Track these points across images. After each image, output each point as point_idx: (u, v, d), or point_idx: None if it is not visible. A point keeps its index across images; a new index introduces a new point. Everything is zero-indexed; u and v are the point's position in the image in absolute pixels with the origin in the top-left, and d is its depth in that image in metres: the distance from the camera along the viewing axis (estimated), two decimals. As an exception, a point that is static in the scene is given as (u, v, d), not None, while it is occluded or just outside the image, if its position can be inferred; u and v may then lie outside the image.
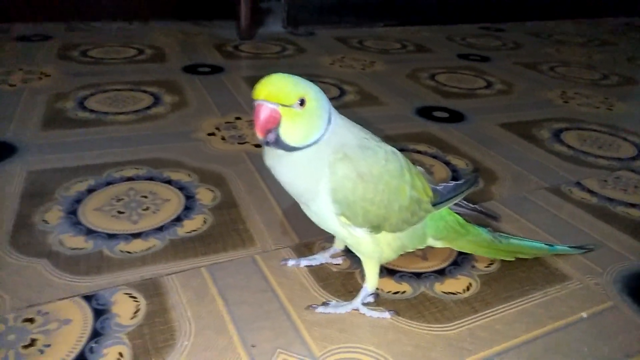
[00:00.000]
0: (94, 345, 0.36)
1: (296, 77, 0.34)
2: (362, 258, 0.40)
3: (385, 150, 0.37)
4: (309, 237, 0.49)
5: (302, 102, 0.33)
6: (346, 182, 0.35)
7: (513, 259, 0.46)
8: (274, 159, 0.36)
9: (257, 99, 0.33)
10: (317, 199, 0.36)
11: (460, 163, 0.68)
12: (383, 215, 0.36)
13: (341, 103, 0.87)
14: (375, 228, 0.37)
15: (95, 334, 0.36)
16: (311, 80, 0.35)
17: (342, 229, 0.37)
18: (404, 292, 0.43)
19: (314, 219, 0.39)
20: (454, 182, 0.42)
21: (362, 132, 0.38)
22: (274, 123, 0.33)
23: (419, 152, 0.71)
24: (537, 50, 1.40)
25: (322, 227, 0.39)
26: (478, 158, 0.70)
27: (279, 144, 0.34)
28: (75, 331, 0.37)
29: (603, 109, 0.94)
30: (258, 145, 0.68)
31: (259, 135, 0.33)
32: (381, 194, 0.36)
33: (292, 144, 0.34)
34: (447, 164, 0.68)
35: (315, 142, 0.35)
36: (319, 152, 0.35)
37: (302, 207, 0.38)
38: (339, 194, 0.35)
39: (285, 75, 0.34)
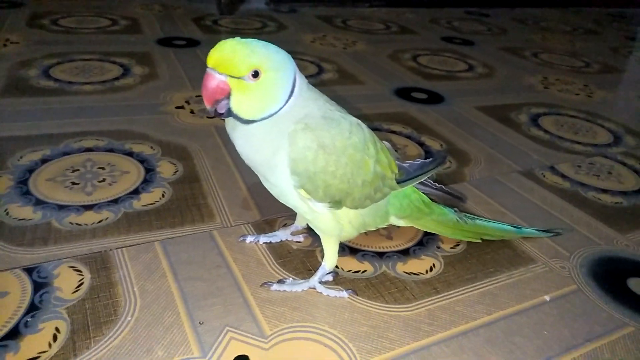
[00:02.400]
0: (29, 319, 0.34)
1: (256, 43, 0.31)
2: (321, 235, 0.39)
3: (350, 122, 0.35)
4: (272, 214, 0.48)
5: (255, 74, 0.31)
6: (307, 153, 0.33)
7: (479, 241, 0.45)
8: (231, 128, 0.34)
9: (207, 65, 0.31)
10: (275, 171, 0.34)
11: (434, 144, 0.66)
12: (345, 190, 0.35)
13: (318, 81, 0.84)
14: (337, 203, 0.35)
15: (33, 308, 0.34)
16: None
17: (302, 203, 0.35)
18: (364, 271, 0.41)
19: (273, 191, 0.37)
20: (420, 161, 0.40)
21: (328, 103, 0.36)
22: (222, 94, 0.31)
23: (393, 132, 0.69)
24: (521, 36, 1.38)
25: (282, 201, 0.37)
26: (453, 140, 0.68)
27: (231, 114, 0.32)
28: (11, 304, 0.35)
29: (582, 96, 0.93)
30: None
31: (207, 106, 0.31)
32: (344, 167, 0.34)
33: (245, 117, 0.32)
34: (421, 144, 0.66)
35: (272, 115, 0.32)
36: (278, 124, 0.33)
37: (261, 179, 0.36)
38: (299, 165, 0.33)
39: (243, 41, 0.31)
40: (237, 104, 0.31)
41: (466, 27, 1.41)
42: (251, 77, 0.31)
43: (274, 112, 0.32)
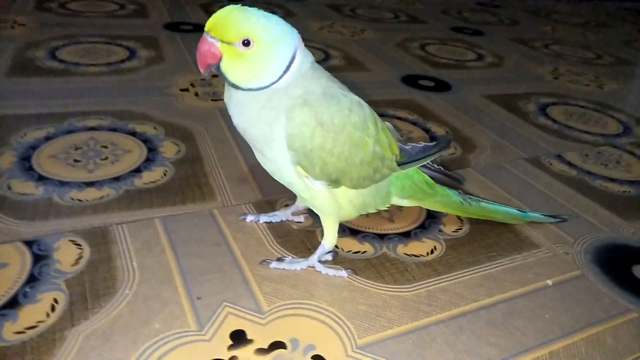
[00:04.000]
0: (28, 290, 0.34)
1: (256, 12, 0.31)
2: (320, 214, 0.38)
3: (351, 100, 0.34)
4: (272, 194, 0.47)
5: (246, 43, 0.30)
6: (304, 128, 0.32)
7: (484, 219, 0.44)
8: (227, 98, 0.34)
9: (205, 29, 0.31)
10: (272, 146, 0.33)
11: (439, 130, 0.66)
12: (342, 169, 0.34)
13: (324, 67, 0.83)
14: (334, 182, 0.35)
15: (32, 279, 0.34)
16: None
17: (299, 180, 0.35)
18: (364, 252, 0.41)
19: (267, 167, 0.36)
20: (423, 144, 0.40)
21: (331, 81, 0.35)
22: (213, 59, 0.31)
23: (399, 118, 0.68)
24: (533, 27, 1.37)
25: (277, 179, 0.36)
26: (459, 127, 0.68)
27: (220, 76, 0.32)
28: (11, 275, 0.35)
29: (593, 87, 0.92)
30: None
31: (200, 69, 0.31)
32: (341, 145, 0.33)
33: (235, 82, 0.32)
34: (427, 130, 0.65)
35: (265, 87, 0.32)
36: (274, 98, 0.32)
37: (257, 155, 0.36)
38: (295, 141, 0.32)
39: (241, 8, 0.31)
40: (227, 67, 0.31)
41: (477, 18, 1.39)
42: (242, 44, 0.30)
43: (266, 85, 0.32)
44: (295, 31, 0.33)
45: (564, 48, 1.18)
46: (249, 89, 0.32)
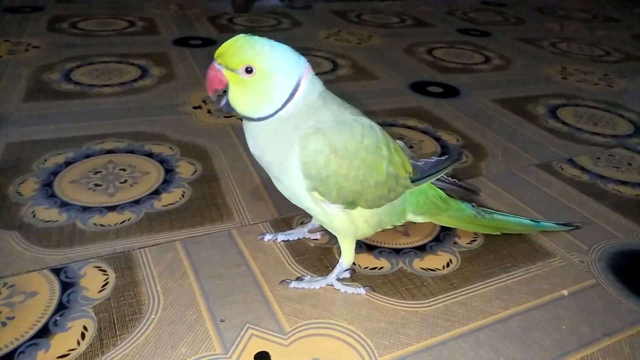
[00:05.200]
0: (58, 318, 0.35)
1: (261, 41, 0.32)
2: (337, 235, 0.39)
3: (363, 125, 0.35)
4: (289, 212, 0.48)
5: (249, 70, 0.31)
6: (319, 156, 0.33)
7: (498, 233, 0.45)
8: (244, 126, 0.35)
9: (214, 56, 0.32)
10: (287, 173, 0.34)
11: (450, 139, 0.66)
12: (358, 191, 0.35)
13: (334, 77, 0.85)
14: (350, 204, 0.36)
15: (61, 307, 0.36)
16: (303, 54, 0.33)
17: (315, 205, 0.36)
18: (381, 267, 0.42)
19: (285, 193, 0.37)
20: (435, 158, 0.40)
21: (342, 107, 0.35)
22: (219, 85, 0.32)
23: (409, 127, 0.69)
24: (539, 26, 1.36)
25: (295, 203, 0.37)
26: (469, 134, 0.68)
27: (230, 108, 0.33)
28: (41, 304, 0.36)
29: (602, 86, 0.92)
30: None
31: (209, 94, 0.33)
32: (356, 170, 0.34)
33: (240, 112, 0.33)
34: (437, 139, 0.66)
35: (270, 116, 0.33)
36: (284, 128, 0.33)
37: (274, 180, 0.37)
38: (311, 169, 0.33)
39: (249, 37, 0.32)
40: (233, 97, 0.33)
41: (482, 18, 1.40)
42: (245, 72, 0.31)
43: (270, 114, 0.33)
44: (303, 60, 0.33)
45: (572, 46, 1.18)
46: (258, 119, 0.33)
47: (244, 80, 0.32)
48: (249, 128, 0.34)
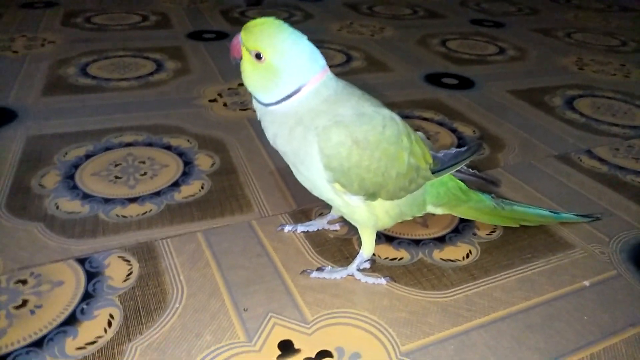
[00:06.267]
0: (85, 306, 0.35)
1: (281, 31, 0.32)
2: (357, 226, 0.39)
3: (384, 116, 0.35)
4: (307, 203, 0.48)
5: (259, 56, 0.32)
6: (341, 149, 0.33)
7: (517, 226, 0.45)
8: (259, 112, 0.36)
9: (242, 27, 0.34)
10: (308, 165, 0.34)
11: (467, 130, 0.66)
12: (380, 183, 0.35)
13: (347, 69, 0.85)
14: (372, 196, 0.36)
15: (87, 296, 0.36)
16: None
17: (336, 196, 0.36)
18: (401, 258, 0.42)
19: (306, 184, 0.37)
20: (455, 149, 0.40)
21: (362, 99, 0.35)
22: (237, 55, 0.34)
23: (425, 119, 0.69)
24: (553, 15, 1.35)
25: (316, 194, 0.38)
26: (485, 125, 0.68)
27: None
28: (67, 293, 0.37)
29: (619, 76, 0.91)
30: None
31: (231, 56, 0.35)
32: (378, 161, 0.34)
33: (247, 86, 0.34)
34: (454, 131, 0.66)
35: (276, 103, 0.34)
36: (295, 116, 0.33)
37: (294, 171, 0.37)
38: (333, 161, 0.33)
39: (273, 23, 0.33)
40: (243, 70, 0.34)
41: (496, 9, 1.38)
42: (255, 56, 0.33)
43: (272, 102, 0.34)
44: (320, 65, 0.34)
45: (587, 35, 1.16)
46: (267, 104, 0.34)
47: (253, 62, 0.33)
48: (259, 111, 0.35)
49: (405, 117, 0.69)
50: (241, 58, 0.34)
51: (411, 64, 0.91)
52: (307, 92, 0.33)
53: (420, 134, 0.40)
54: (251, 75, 0.34)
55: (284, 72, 0.33)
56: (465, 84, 0.83)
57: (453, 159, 0.40)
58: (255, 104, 0.36)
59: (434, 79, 0.84)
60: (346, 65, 0.87)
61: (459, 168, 0.41)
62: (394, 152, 0.35)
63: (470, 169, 0.42)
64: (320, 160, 0.33)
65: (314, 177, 0.35)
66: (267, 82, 0.33)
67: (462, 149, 0.40)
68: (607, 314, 0.38)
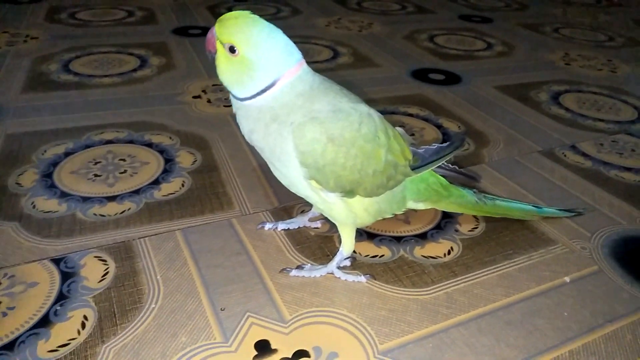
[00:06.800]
0: (58, 308, 0.35)
1: (255, 25, 0.32)
2: (336, 224, 0.39)
3: (360, 113, 0.34)
4: (289, 201, 0.48)
5: (232, 49, 0.32)
6: (316, 145, 0.32)
7: (498, 217, 0.45)
8: (234, 107, 0.35)
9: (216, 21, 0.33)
10: (284, 162, 0.34)
11: (452, 126, 0.66)
12: (356, 180, 0.34)
13: (334, 65, 0.84)
14: (349, 193, 0.35)
15: (62, 297, 0.36)
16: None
17: (313, 193, 0.36)
18: (382, 255, 0.42)
19: (283, 181, 0.37)
20: (436, 145, 0.40)
21: (339, 95, 0.35)
22: (212, 49, 0.33)
23: (410, 114, 0.68)
24: (542, 11, 1.35)
25: (293, 191, 0.37)
26: (471, 121, 0.68)
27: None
28: (41, 294, 0.36)
29: (606, 71, 0.91)
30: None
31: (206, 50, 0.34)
32: (354, 159, 0.34)
33: (221, 79, 0.34)
34: (439, 127, 0.65)
35: (248, 98, 0.33)
36: (270, 112, 0.33)
37: (271, 168, 0.37)
38: (308, 158, 0.33)
39: (247, 17, 0.32)
40: (217, 64, 0.34)
41: (484, 4, 1.38)
42: (229, 49, 0.32)
43: (246, 97, 0.33)
44: (295, 58, 0.33)
45: (574, 31, 1.16)
46: (242, 99, 0.34)
47: (226, 55, 0.32)
48: (235, 105, 0.35)
49: (391, 113, 0.68)
50: (216, 52, 0.33)
51: (398, 60, 0.90)
52: (282, 86, 0.33)
53: (399, 129, 0.39)
54: (225, 69, 0.33)
55: (258, 66, 0.32)
56: (452, 79, 0.82)
57: (434, 155, 0.39)
58: (231, 99, 0.35)
59: (420, 75, 0.83)
60: (333, 61, 0.86)
61: (440, 164, 0.40)
62: (371, 150, 0.34)
63: (450, 165, 0.42)
64: (295, 156, 0.33)
65: (291, 174, 0.35)
66: (242, 75, 0.32)
67: (444, 144, 0.40)
68: (588, 310, 0.38)
